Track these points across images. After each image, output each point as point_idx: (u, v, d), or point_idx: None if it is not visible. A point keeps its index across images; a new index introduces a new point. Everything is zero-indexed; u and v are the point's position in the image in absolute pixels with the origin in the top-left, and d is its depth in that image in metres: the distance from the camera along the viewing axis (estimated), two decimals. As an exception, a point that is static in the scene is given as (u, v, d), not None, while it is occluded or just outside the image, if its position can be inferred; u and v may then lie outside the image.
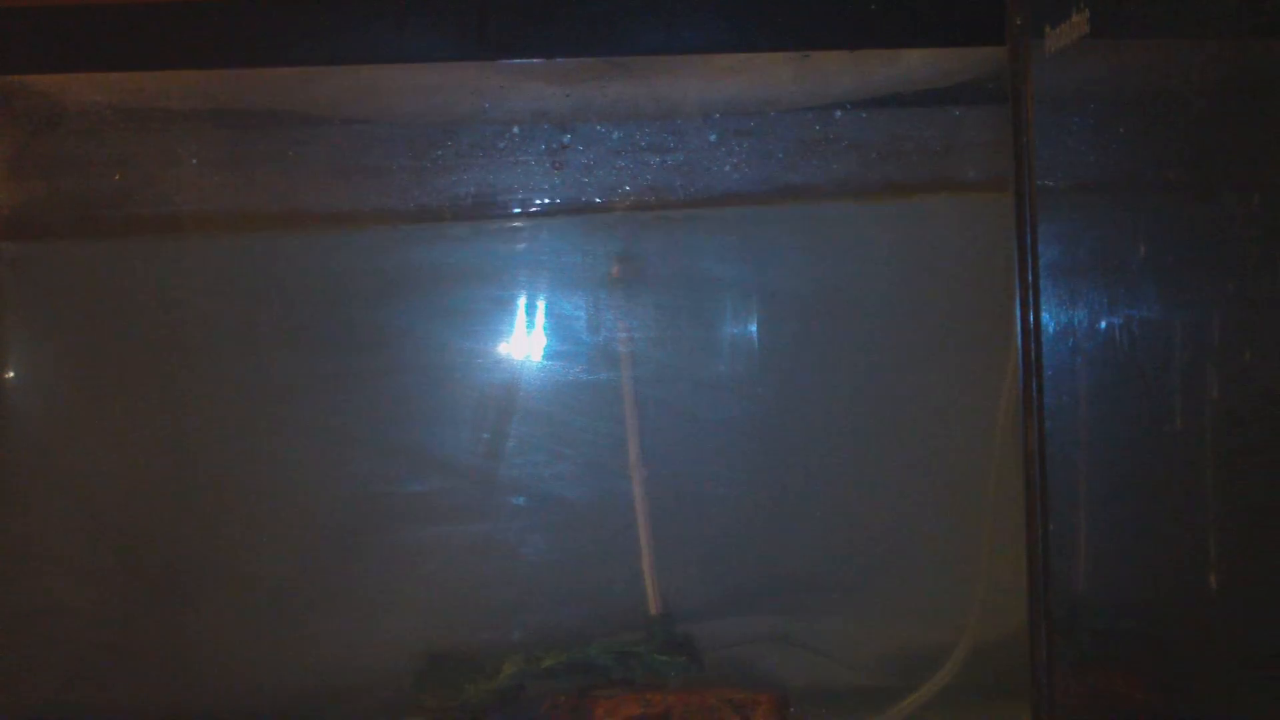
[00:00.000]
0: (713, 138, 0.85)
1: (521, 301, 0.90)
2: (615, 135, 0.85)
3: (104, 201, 0.88)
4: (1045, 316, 0.67)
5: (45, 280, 0.91)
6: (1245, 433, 0.68)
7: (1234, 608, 0.69)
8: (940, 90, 0.83)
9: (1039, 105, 0.68)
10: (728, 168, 0.86)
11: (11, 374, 0.90)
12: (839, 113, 0.85)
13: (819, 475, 0.91)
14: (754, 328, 0.91)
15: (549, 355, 0.90)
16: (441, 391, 0.91)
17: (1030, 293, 0.67)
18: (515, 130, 0.86)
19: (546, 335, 0.90)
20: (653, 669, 0.86)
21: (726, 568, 0.91)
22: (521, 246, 0.90)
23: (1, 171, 0.87)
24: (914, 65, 0.80)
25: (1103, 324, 0.68)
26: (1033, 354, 0.67)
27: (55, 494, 0.90)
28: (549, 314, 0.90)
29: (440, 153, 0.86)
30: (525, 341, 0.90)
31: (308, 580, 0.90)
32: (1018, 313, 0.68)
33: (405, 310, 0.91)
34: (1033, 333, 0.67)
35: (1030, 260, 0.67)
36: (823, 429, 0.91)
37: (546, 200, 0.87)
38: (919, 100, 0.83)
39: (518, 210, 0.88)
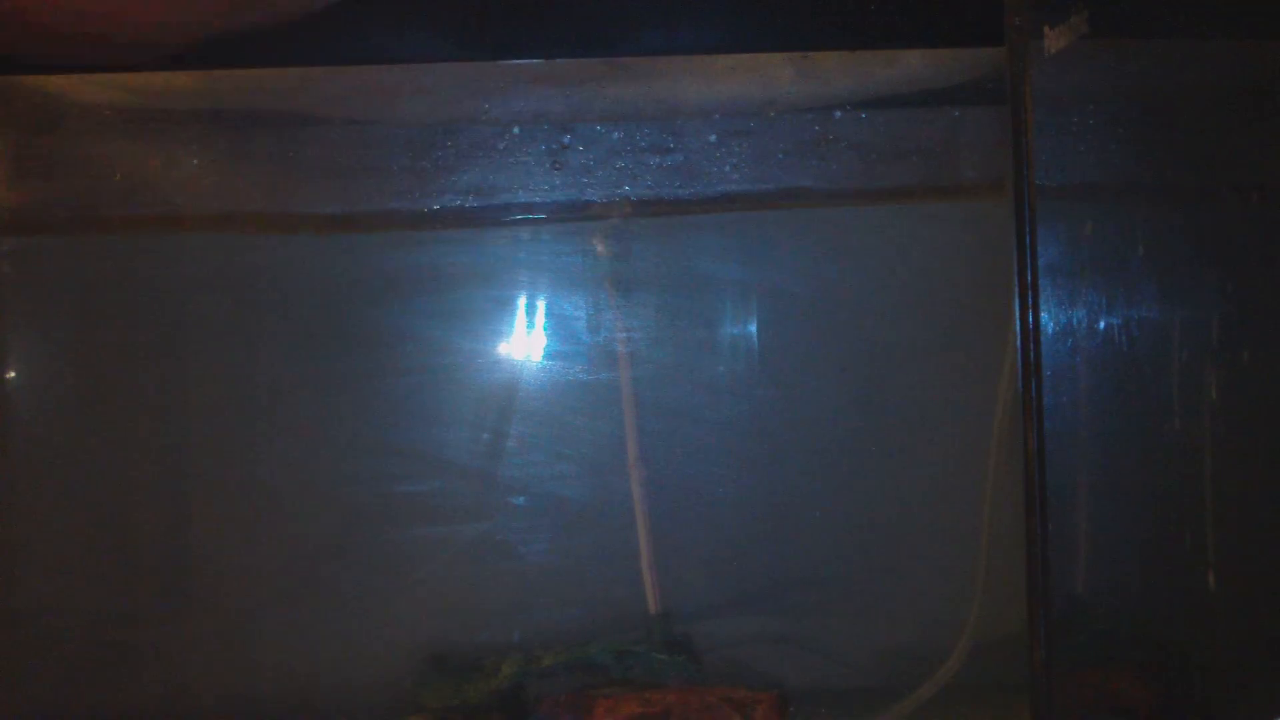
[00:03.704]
0: (712, 138, 0.85)
1: (521, 301, 0.90)
2: (615, 136, 0.85)
3: (103, 201, 0.88)
4: (1044, 317, 0.67)
5: (43, 278, 0.91)
6: (1243, 432, 0.69)
7: (1233, 607, 0.69)
8: (939, 91, 0.83)
9: (1038, 106, 0.68)
10: (727, 168, 0.86)
11: (10, 373, 0.90)
12: (838, 113, 0.85)
13: (818, 475, 0.91)
14: (753, 328, 0.91)
15: (549, 355, 0.90)
16: (441, 391, 0.91)
17: (1029, 293, 0.67)
18: (515, 130, 0.86)
19: (546, 335, 0.90)
20: (652, 668, 0.86)
21: (726, 567, 0.91)
22: (521, 246, 0.89)
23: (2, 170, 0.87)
24: (913, 66, 0.80)
25: (1101, 324, 0.68)
26: (1032, 354, 0.67)
27: (53, 493, 0.90)
28: (549, 314, 0.90)
29: (440, 153, 0.86)
30: (525, 341, 0.90)
31: (308, 580, 0.90)
32: (1017, 313, 0.68)
33: (405, 310, 0.91)
34: (1032, 333, 0.67)
35: (1029, 260, 0.67)
36: (822, 429, 0.91)
37: (546, 200, 0.87)
38: (918, 101, 0.84)
39: (518, 210, 0.88)
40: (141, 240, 0.91)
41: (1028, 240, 0.67)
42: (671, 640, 0.87)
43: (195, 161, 0.87)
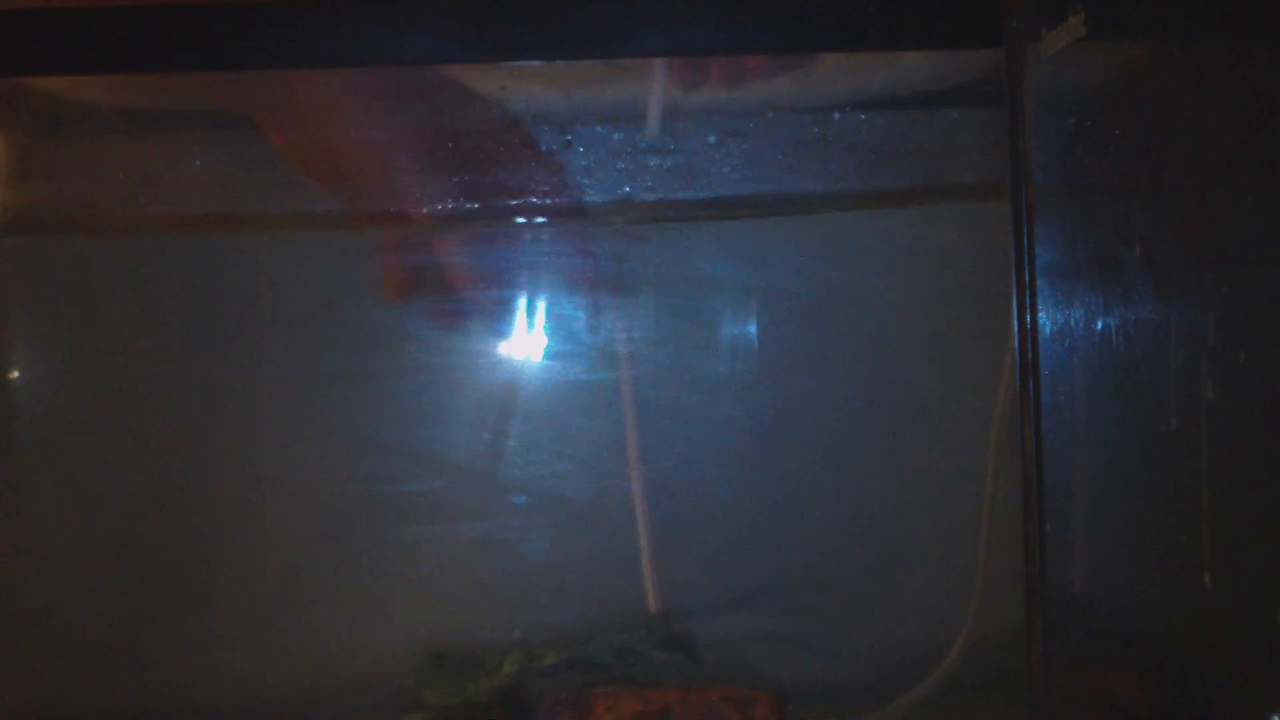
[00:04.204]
0: (711, 139, 0.85)
1: (522, 302, 0.90)
2: (615, 137, 0.85)
3: (105, 201, 0.88)
4: (1042, 317, 0.67)
5: (44, 277, 0.91)
6: (1241, 432, 0.69)
7: (1230, 606, 0.69)
8: (937, 93, 0.83)
9: (1035, 107, 0.68)
10: (727, 169, 0.86)
11: (13, 373, 0.91)
12: (837, 115, 0.85)
13: (818, 474, 0.91)
14: (753, 328, 0.91)
15: (549, 355, 0.90)
16: (442, 391, 0.91)
17: (1027, 293, 0.67)
18: (516, 131, 0.86)
19: (546, 336, 0.90)
20: (652, 666, 0.86)
21: (726, 566, 0.91)
22: (522, 247, 0.90)
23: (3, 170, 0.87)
24: (911, 68, 0.80)
25: (1099, 324, 0.68)
26: (1030, 354, 0.67)
27: (54, 492, 0.90)
28: (549, 314, 0.90)
29: (440, 153, 0.86)
30: (526, 342, 0.90)
31: (308, 579, 0.91)
32: (1014, 314, 0.68)
33: (405, 310, 0.91)
34: (1029, 333, 0.67)
35: (1027, 261, 0.67)
36: (821, 428, 0.91)
37: (547, 201, 0.87)
38: (916, 102, 0.84)
39: (518, 211, 0.88)
40: (139, 239, 0.91)
41: (1025, 241, 0.67)
42: (671, 639, 0.87)
43: (198, 163, 0.87)
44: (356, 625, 0.90)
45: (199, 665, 0.89)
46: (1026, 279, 0.67)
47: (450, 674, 0.87)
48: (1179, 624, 0.71)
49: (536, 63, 0.78)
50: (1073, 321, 0.68)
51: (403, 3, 0.74)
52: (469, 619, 0.91)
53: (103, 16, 0.74)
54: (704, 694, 0.82)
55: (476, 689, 0.86)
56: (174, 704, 0.89)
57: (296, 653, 0.90)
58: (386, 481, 0.91)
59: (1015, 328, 0.68)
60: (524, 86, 0.82)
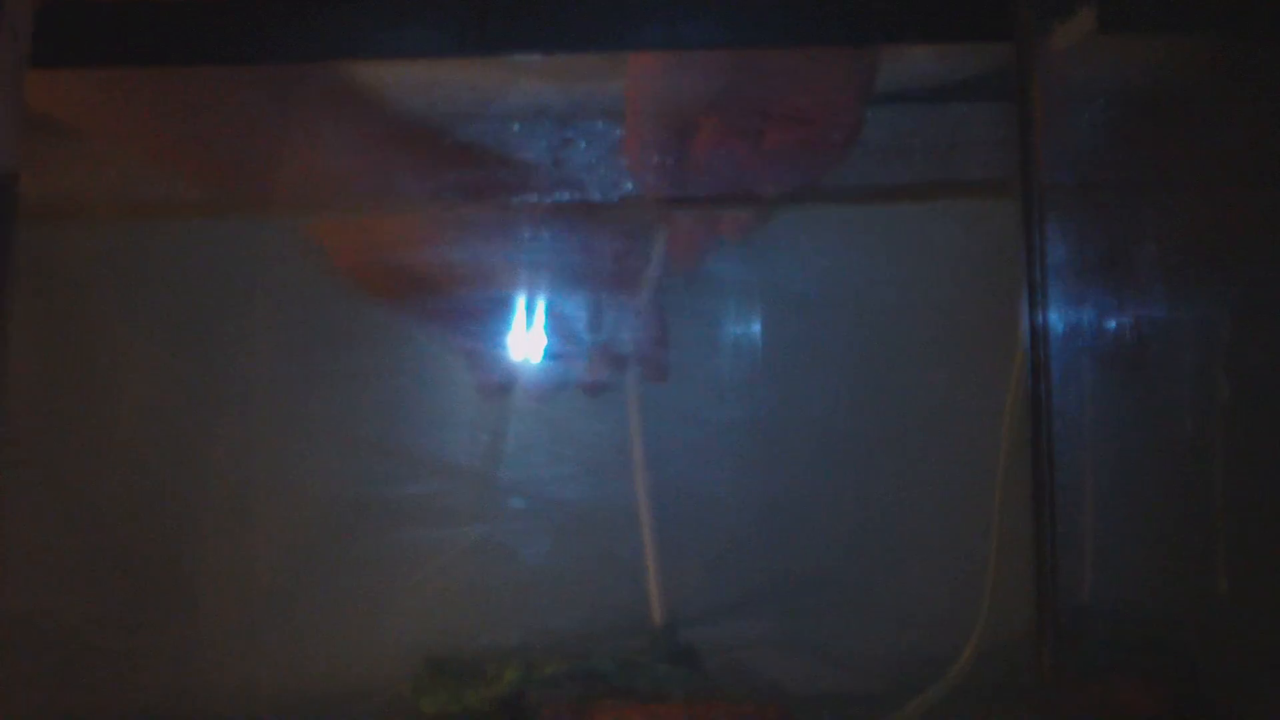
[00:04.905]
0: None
1: (521, 300, 0.89)
2: (616, 133, 0.84)
3: (105, 191, 0.88)
4: (1053, 316, 0.66)
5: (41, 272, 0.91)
6: (1257, 433, 0.68)
7: (1245, 613, 0.69)
8: (946, 87, 0.83)
9: (1045, 101, 0.67)
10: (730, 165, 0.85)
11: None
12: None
13: (824, 478, 0.91)
14: (758, 327, 0.90)
15: (549, 356, 0.89)
16: (440, 392, 0.91)
17: (1037, 292, 0.67)
18: (515, 127, 0.85)
19: (547, 335, 0.89)
20: (656, 679, 0.85)
21: (731, 571, 0.91)
22: (521, 245, 0.89)
23: None
24: (920, 62, 0.80)
25: (1112, 324, 0.67)
26: (1041, 355, 0.67)
27: (44, 495, 0.90)
28: (549, 313, 0.89)
29: (439, 150, 0.86)
30: (525, 341, 0.89)
31: (305, 584, 0.90)
32: (1025, 313, 0.67)
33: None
34: (1040, 333, 0.67)
35: (1037, 259, 0.67)
36: (828, 431, 0.91)
37: (547, 198, 0.86)
38: (925, 97, 0.83)
39: (518, 208, 0.87)
40: (140, 233, 0.91)
41: (1035, 239, 0.67)
42: (675, 651, 0.87)
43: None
44: (352, 631, 0.90)
45: (191, 672, 0.89)
46: (1037, 277, 0.67)
47: (449, 682, 0.86)
48: (1193, 630, 0.71)
49: (536, 56, 0.77)
50: (1084, 321, 0.67)
51: (400, -4, 0.74)
52: (468, 625, 0.90)
53: (98, 13, 0.74)
54: (709, 708, 0.81)
55: (476, 698, 0.85)
56: (166, 711, 0.88)
57: (291, 659, 0.89)
58: (383, 484, 0.90)
59: (1026, 327, 0.67)
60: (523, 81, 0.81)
